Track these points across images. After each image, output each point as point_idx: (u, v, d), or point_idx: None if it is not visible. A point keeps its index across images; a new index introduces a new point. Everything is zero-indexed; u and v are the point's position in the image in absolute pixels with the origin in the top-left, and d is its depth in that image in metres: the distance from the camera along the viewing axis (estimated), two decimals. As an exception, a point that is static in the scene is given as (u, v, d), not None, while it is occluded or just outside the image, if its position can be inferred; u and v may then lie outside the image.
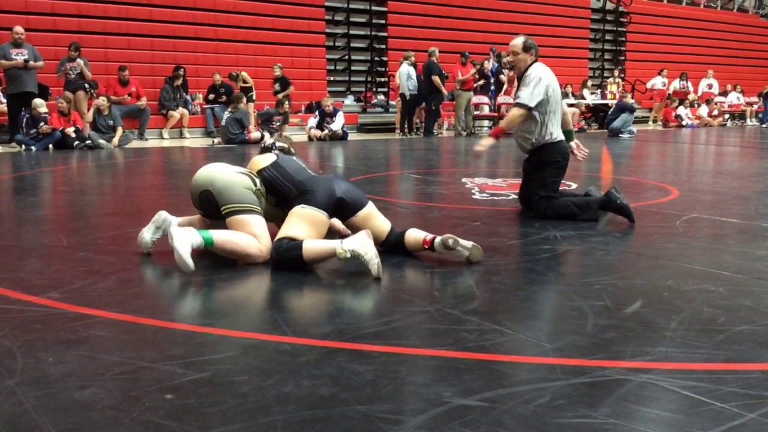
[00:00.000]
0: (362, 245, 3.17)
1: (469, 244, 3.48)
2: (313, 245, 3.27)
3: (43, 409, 1.87)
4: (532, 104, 4.68)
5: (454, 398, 1.95)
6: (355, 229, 3.63)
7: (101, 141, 10.83)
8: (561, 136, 4.85)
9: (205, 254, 3.54)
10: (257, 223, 3.47)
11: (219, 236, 3.35)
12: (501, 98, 15.61)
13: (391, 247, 3.66)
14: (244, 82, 13.68)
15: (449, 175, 7.84)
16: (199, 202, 3.64)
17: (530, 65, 4.80)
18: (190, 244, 3.20)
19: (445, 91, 14.10)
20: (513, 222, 4.69)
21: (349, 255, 3.17)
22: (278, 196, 3.64)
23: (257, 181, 3.63)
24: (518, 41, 4.83)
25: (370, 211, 3.64)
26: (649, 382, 2.07)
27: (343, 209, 3.57)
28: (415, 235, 3.61)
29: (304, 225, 3.39)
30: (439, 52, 14.48)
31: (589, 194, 4.92)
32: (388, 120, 15.58)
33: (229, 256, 3.41)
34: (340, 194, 3.52)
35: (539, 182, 4.78)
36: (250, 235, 3.41)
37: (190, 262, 3.15)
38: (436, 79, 13.85)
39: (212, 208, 3.57)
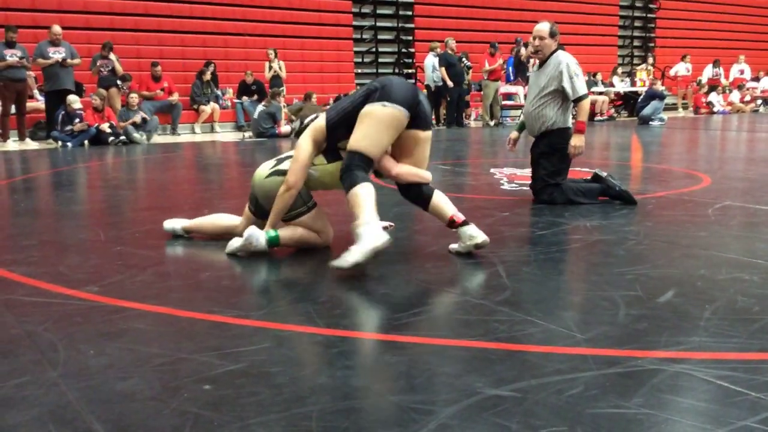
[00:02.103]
0: (373, 241, 3.00)
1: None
2: (361, 197, 3.09)
3: (86, 400, 1.92)
4: (587, 89, 4.89)
5: (486, 389, 1.96)
6: (404, 152, 3.42)
7: (136, 135, 11.00)
8: (570, 123, 4.93)
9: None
10: (310, 220, 3.53)
11: (284, 235, 3.51)
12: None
13: (413, 198, 3.53)
14: (280, 69, 13.69)
15: (477, 165, 7.82)
16: (255, 201, 3.68)
17: (554, 51, 4.85)
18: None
19: (449, 83, 13.87)
20: (542, 212, 4.66)
21: (358, 233, 3.03)
22: (358, 111, 3.29)
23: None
24: (545, 26, 4.84)
25: (428, 138, 3.47)
26: (683, 372, 2.06)
27: (419, 117, 3.32)
28: (441, 205, 3.48)
29: (382, 131, 3.17)
30: (467, 42, 14.36)
31: (598, 175, 5.01)
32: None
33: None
34: (420, 99, 3.32)
35: (548, 170, 4.87)
36: (310, 232, 3.55)
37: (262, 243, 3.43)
38: (442, 71, 13.77)
39: (263, 210, 3.63)
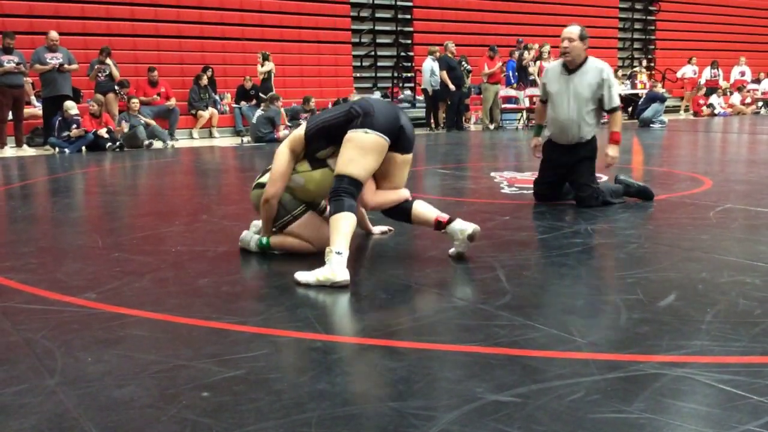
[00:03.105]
0: (333, 274, 3.02)
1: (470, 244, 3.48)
2: (342, 225, 3.13)
3: (83, 408, 1.91)
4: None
5: (487, 394, 1.95)
6: (383, 174, 3.48)
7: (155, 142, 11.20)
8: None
9: (242, 253, 3.60)
10: (299, 229, 3.56)
11: (275, 241, 3.61)
12: (529, 90, 15.48)
13: (395, 215, 3.61)
14: (266, 73, 13.67)
15: (477, 169, 7.82)
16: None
17: (586, 58, 4.86)
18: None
19: (452, 87, 13.87)
20: (543, 216, 4.66)
21: (327, 260, 3.07)
22: (337, 135, 3.36)
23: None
24: (575, 29, 4.84)
25: (408, 160, 3.54)
26: (685, 376, 2.05)
27: (400, 141, 3.39)
28: (423, 212, 3.53)
29: (366, 156, 3.24)
30: (466, 45, 14.36)
31: (618, 181, 5.18)
32: (414, 115, 15.54)
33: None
34: (402, 123, 3.38)
35: (590, 174, 4.91)
36: (301, 241, 3.58)
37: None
38: (443, 74, 13.78)
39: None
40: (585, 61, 4.84)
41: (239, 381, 2.07)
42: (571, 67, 4.85)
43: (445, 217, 3.47)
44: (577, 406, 1.86)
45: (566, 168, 4.95)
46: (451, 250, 3.51)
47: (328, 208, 3.26)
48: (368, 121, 3.26)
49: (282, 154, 3.49)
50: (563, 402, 1.89)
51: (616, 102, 4.87)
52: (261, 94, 13.14)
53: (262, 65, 13.48)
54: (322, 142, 3.45)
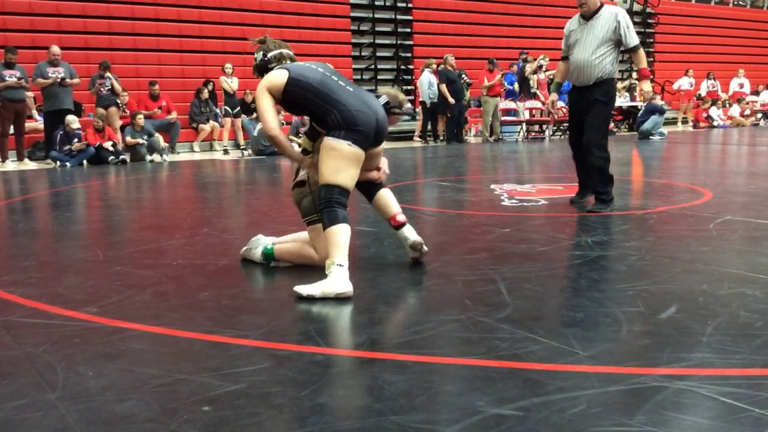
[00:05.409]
0: (337, 286, 3.06)
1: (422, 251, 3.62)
2: (338, 237, 3.18)
3: (85, 422, 1.91)
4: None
5: (488, 407, 1.94)
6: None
7: (153, 155, 11.19)
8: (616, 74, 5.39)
9: (243, 266, 3.58)
10: (314, 231, 3.58)
11: (279, 249, 3.67)
12: (529, 103, 15.53)
13: (360, 187, 3.67)
14: (230, 85, 13.64)
15: (477, 181, 7.83)
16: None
17: (601, 6, 5.16)
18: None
19: (451, 100, 13.91)
20: (543, 228, 4.66)
21: (328, 273, 3.11)
22: (309, 110, 3.41)
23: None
24: None
25: (381, 150, 3.61)
26: (686, 389, 2.05)
27: (375, 139, 3.43)
28: (386, 204, 3.67)
29: (351, 167, 3.29)
30: (466, 59, 14.42)
31: None
32: (415, 128, 15.62)
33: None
34: (379, 128, 3.38)
35: (603, 119, 5.19)
36: (309, 248, 3.61)
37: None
38: (443, 87, 13.85)
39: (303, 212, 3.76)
40: (600, 8, 5.15)
41: (240, 395, 2.07)
42: (587, 16, 5.19)
43: (402, 219, 3.62)
44: (579, 420, 1.86)
45: (585, 111, 5.23)
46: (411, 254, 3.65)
47: (321, 219, 3.28)
48: (351, 136, 3.27)
49: (263, 96, 3.40)
50: (565, 415, 1.89)
51: (635, 41, 5.11)
52: (227, 108, 13.19)
53: (230, 79, 13.43)
54: (295, 108, 3.51)
